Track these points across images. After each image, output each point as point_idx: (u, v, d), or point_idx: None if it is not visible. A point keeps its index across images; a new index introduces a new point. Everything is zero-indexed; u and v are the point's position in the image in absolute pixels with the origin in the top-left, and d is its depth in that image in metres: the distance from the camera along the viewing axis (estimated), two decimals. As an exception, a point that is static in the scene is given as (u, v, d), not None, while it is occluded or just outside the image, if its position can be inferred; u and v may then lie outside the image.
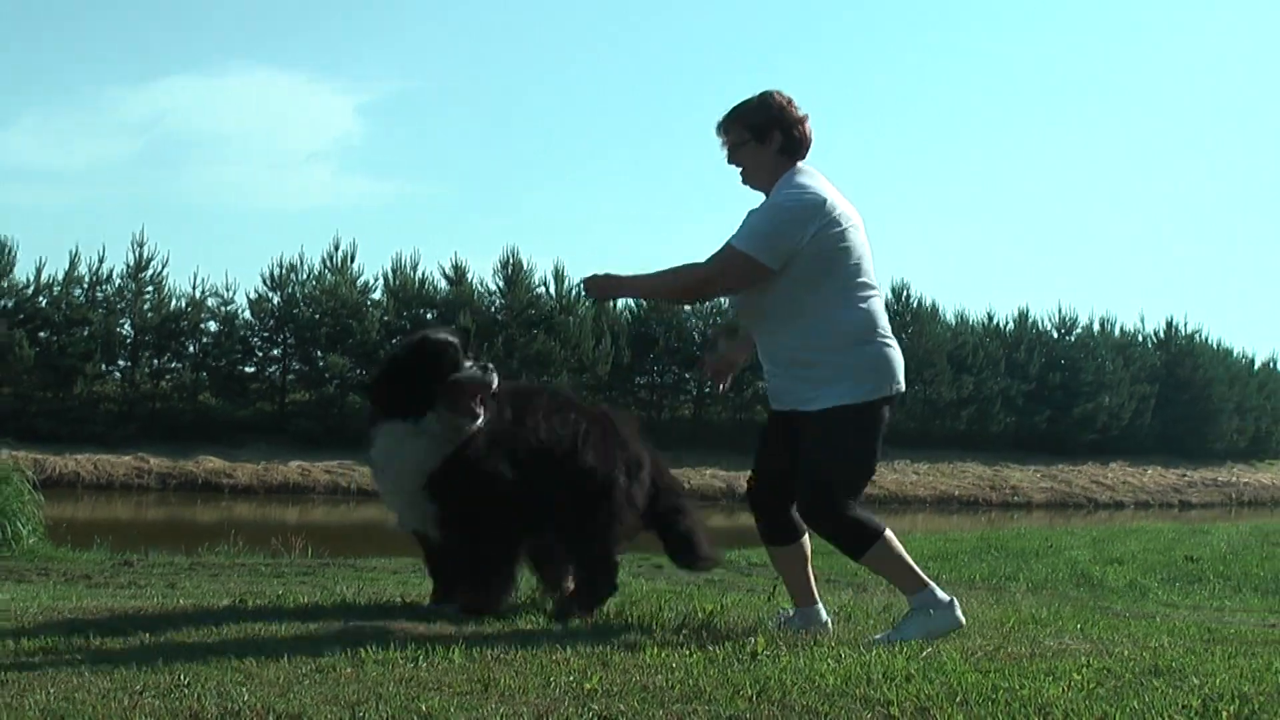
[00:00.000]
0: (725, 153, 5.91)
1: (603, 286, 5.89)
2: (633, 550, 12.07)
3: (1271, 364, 69.18)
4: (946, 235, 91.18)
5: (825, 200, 5.68)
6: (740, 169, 5.91)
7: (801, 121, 5.86)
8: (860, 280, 5.75)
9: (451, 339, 5.93)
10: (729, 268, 5.66)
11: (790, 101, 5.89)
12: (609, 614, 6.21)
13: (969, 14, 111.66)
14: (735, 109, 5.89)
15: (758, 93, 5.90)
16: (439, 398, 5.78)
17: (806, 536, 5.99)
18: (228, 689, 3.98)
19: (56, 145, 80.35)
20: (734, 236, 5.66)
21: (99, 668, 4.38)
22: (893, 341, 5.82)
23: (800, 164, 5.84)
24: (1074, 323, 60.23)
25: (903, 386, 5.85)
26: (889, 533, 5.70)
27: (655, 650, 4.84)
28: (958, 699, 3.98)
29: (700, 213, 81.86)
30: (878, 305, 5.82)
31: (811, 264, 5.63)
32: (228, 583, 8.43)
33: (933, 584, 5.73)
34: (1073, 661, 4.79)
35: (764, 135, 5.79)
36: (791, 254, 5.60)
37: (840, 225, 5.68)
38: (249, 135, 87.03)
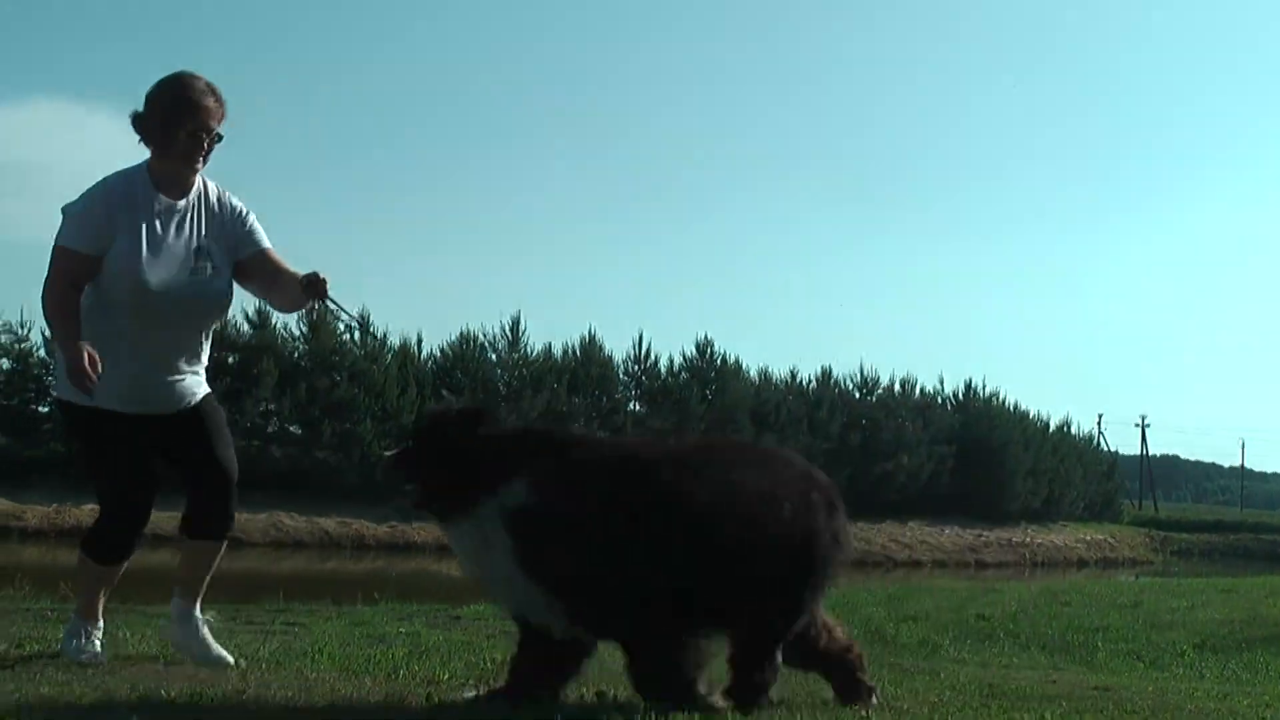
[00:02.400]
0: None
1: None
2: (430, 600, 12.00)
3: (1065, 428, 71.13)
4: (753, 294, 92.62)
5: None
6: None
7: None
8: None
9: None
10: None
11: None
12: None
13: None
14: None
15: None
16: None
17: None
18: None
19: None
20: None
21: None
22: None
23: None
24: (875, 383, 61.32)
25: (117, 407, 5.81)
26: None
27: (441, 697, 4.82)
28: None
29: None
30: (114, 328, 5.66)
31: None
32: (9, 627, 8.17)
33: (97, 626, 6.16)
34: (851, 713, 4.86)
35: None
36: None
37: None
38: (59, 166, 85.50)
